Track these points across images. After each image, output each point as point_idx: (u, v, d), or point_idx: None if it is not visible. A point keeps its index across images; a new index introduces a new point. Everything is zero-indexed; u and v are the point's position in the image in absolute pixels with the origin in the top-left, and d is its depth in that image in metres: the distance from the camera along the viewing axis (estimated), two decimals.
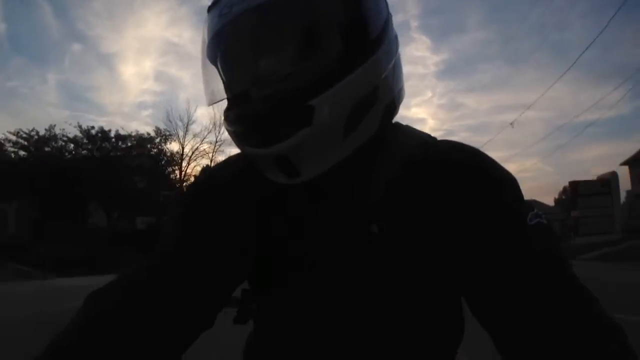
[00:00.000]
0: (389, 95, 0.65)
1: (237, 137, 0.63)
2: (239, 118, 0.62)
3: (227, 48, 0.64)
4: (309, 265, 0.65)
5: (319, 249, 0.64)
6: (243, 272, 0.68)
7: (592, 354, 0.50)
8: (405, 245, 0.62)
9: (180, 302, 0.58)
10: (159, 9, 55.09)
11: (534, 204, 0.65)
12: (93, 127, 24.08)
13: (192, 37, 48.30)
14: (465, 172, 0.63)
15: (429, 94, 63.57)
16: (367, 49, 0.61)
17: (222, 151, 29.19)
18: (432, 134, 0.72)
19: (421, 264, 0.63)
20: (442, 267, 0.63)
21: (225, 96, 0.67)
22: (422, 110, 59.51)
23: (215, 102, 0.68)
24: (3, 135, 20.38)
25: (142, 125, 56.96)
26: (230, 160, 0.75)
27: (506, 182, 0.64)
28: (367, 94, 0.61)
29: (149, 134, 25.72)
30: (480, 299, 0.60)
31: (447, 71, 67.96)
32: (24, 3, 46.19)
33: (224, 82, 0.67)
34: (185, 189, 0.74)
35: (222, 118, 0.68)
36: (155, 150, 26.13)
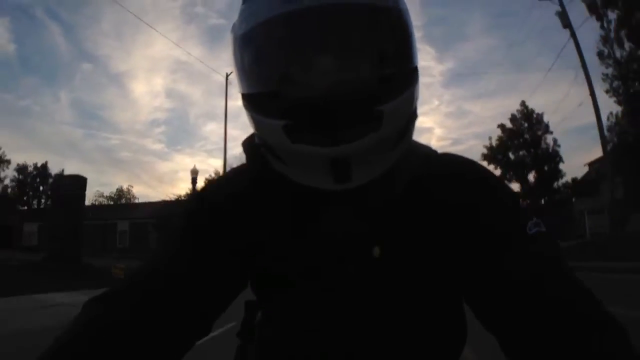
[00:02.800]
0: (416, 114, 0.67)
1: (288, 132, 0.56)
2: (298, 110, 0.56)
3: (292, 32, 0.57)
4: (312, 279, 0.64)
5: (322, 263, 0.64)
6: (242, 282, 0.67)
7: (597, 354, 0.51)
8: (408, 263, 0.63)
9: (177, 309, 0.58)
10: (167, 28, 55.19)
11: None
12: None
13: (200, 55, 48.74)
14: (466, 185, 0.65)
15: (436, 102, 62.54)
16: (416, 68, 0.63)
17: None
18: (440, 144, 0.75)
19: (424, 278, 0.63)
20: (445, 278, 0.64)
21: (272, 82, 0.59)
22: (429, 119, 58.15)
23: (272, 88, 0.59)
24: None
25: (155, 143, 56.70)
26: (231, 174, 0.75)
27: (505, 194, 0.66)
28: (414, 109, 0.63)
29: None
30: (485, 304, 0.61)
31: (453, 79, 66.18)
32: (35, 25, 46.37)
33: (265, 67, 0.60)
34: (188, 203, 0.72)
35: (250, 105, 0.62)
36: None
